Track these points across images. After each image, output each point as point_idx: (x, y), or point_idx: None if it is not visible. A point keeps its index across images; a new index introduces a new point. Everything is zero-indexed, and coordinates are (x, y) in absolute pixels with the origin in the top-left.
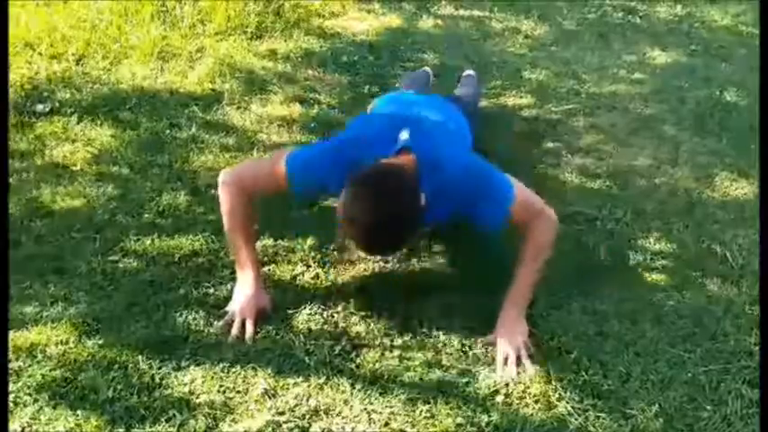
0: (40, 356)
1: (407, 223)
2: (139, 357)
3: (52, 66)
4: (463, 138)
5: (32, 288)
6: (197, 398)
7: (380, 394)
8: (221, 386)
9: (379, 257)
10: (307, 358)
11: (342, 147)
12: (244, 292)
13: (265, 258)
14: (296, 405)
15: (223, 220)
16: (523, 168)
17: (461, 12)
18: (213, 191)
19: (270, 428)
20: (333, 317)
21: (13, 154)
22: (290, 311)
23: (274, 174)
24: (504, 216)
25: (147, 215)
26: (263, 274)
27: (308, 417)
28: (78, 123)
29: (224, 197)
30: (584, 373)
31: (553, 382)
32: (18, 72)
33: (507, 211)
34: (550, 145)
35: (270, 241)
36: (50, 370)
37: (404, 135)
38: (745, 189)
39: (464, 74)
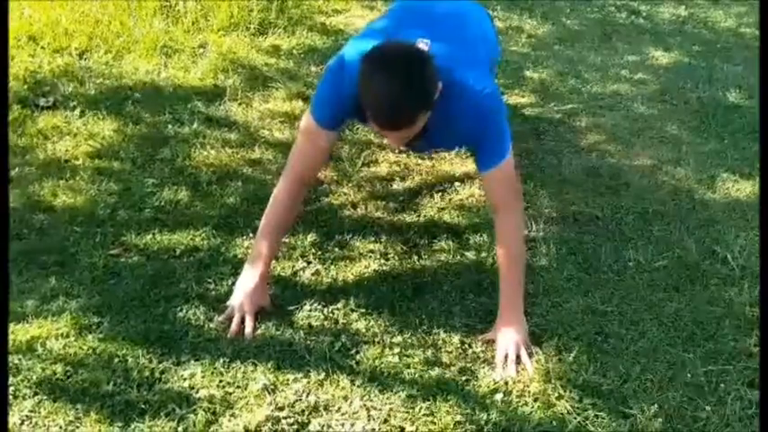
0: (40, 350)
1: (420, 93)
2: (139, 352)
3: (55, 60)
4: (484, 49)
5: (33, 282)
6: (197, 392)
7: (380, 391)
8: (221, 381)
9: (396, 133)
10: (306, 354)
11: (353, 60)
12: (244, 287)
13: None
14: (295, 401)
15: (266, 210)
16: (525, 167)
17: None
18: (215, 186)
19: (269, 424)
20: (333, 313)
21: (15, 148)
22: (291, 308)
23: (310, 134)
24: (494, 166)
25: (148, 210)
26: (269, 273)
27: (307, 413)
28: (81, 118)
29: (282, 183)
30: (583, 373)
31: (553, 381)
32: (21, 66)
33: (497, 165)
34: (552, 144)
35: None
36: (51, 363)
37: (422, 45)
38: (746, 190)
39: None
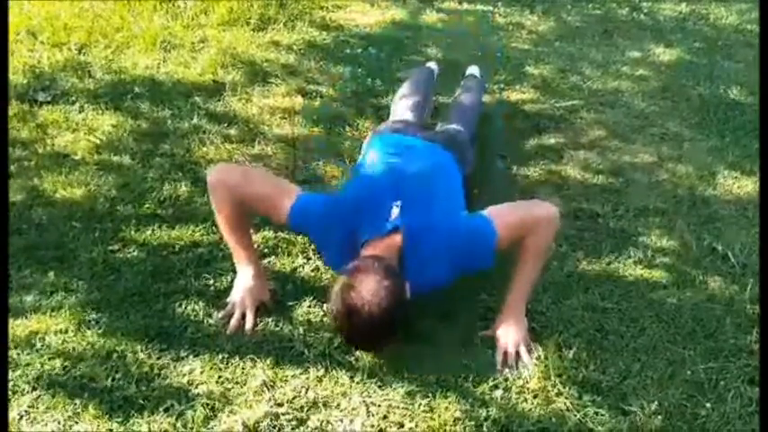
0: (39, 345)
1: (397, 322)
2: (138, 347)
3: (54, 55)
4: (454, 194)
5: (32, 277)
6: (195, 388)
7: (379, 387)
8: (220, 377)
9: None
10: (306, 351)
11: (342, 210)
12: (244, 283)
13: (265, 251)
14: (294, 397)
15: (216, 218)
16: (526, 164)
17: (465, 6)
18: None
19: (268, 420)
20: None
21: (15, 142)
22: (290, 304)
23: (277, 209)
24: (491, 252)
25: (147, 205)
26: (263, 267)
27: (306, 409)
28: (80, 112)
29: (221, 202)
30: (583, 369)
31: (552, 378)
32: (20, 60)
33: (493, 247)
34: (553, 141)
35: (270, 233)
36: (49, 359)
37: (395, 211)
38: (747, 187)
39: (468, 72)
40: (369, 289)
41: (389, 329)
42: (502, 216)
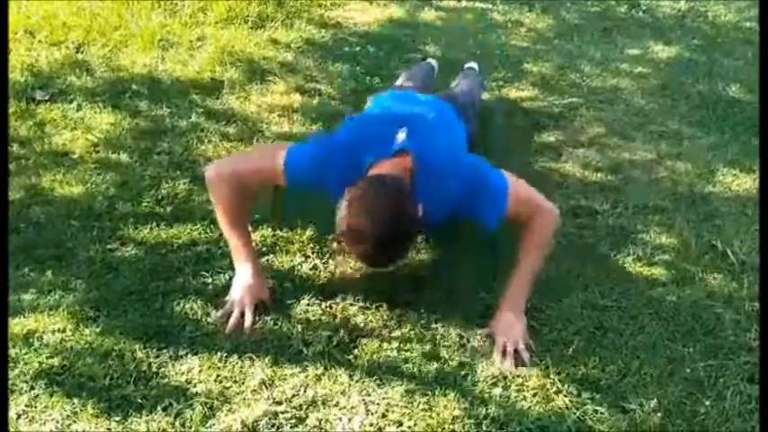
0: (37, 344)
1: (406, 237)
2: (137, 346)
3: (52, 53)
4: (458, 138)
5: (30, 275)
6: (194, 387)
7: (378, 385)
8: (219, 376)
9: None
10: (305, 349)
11: (340, 148)
12: (243, 282)
13: (264, 248)
14: (293, 395)
15: (217, 214)
16: (525, 161)
17: (464, 4)
18: None
19: (267, 418)
20: (331, 308)
21: (13, 141)
22: (289, 302)
23: (272, 169)
24: (501, 213)
25: (146, 203)
26: (262, 265)
27: (305, 407)
28: (78, 111)
29: (220, 192)
30: (582, 367)
31: (551, 376)
32: (18, 59)
33: (504, 209)
34: (552, 138)
35: (268, 231)
36: (47, 357)
37: (401, 136)
38: (747, 184)
39: (466, 66)
40: (372, 206)
41: (397, 245)
42: (514, 183)
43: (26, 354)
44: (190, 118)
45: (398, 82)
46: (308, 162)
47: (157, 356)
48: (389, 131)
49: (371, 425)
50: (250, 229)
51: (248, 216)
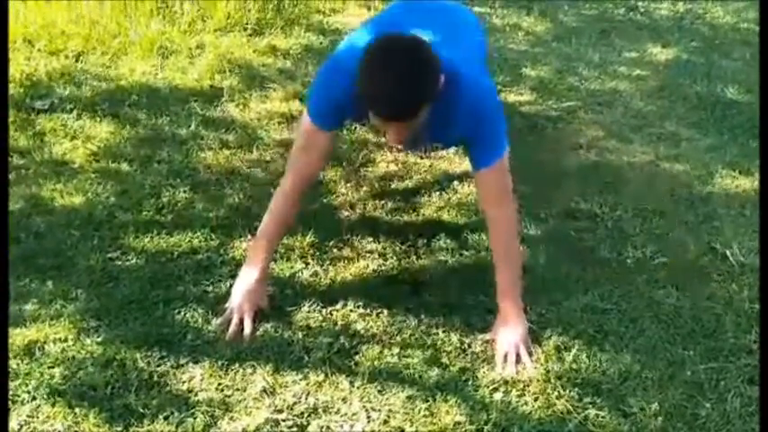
0: (38, 354)
1: (423, 81)
2: (138, 355)
3: (51, 62)
4: (479, 52)
5: (31, 285)
6: (195, 395)
7: (379, 392)
8: (220, 384)
9: (399, 126)
10: (305, 356)
11: (348, 52)
12: (242, 289)
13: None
14: (294, 403)
15: (270, 204)
16: (523, 165)
17: None
18: (213, 187)
19: (268, 426)
20: (332, 314)
21: (13, 150)
22: (289, 309)
23: (307, 133)
24: (492, 162)
25: (146, 212)
26: (268, 274)
27: (306, 415)
28: (78, 120)
29: (282, 185)
30: (583, 371)
31: (552, 380)
32: (17, 69)
33: (496, 158)
34: (551, 141)
35: None
36: (49, 368)
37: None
38: (746, 186)
39: None
40: (388, 48)
41: (420, 78)
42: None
43: (27, 364)
44: (189, 126)
45: None
46: (321, 94)
47: (159, 365)
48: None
49: (373, 431)
50: (249, 237)
51: (289, 223)
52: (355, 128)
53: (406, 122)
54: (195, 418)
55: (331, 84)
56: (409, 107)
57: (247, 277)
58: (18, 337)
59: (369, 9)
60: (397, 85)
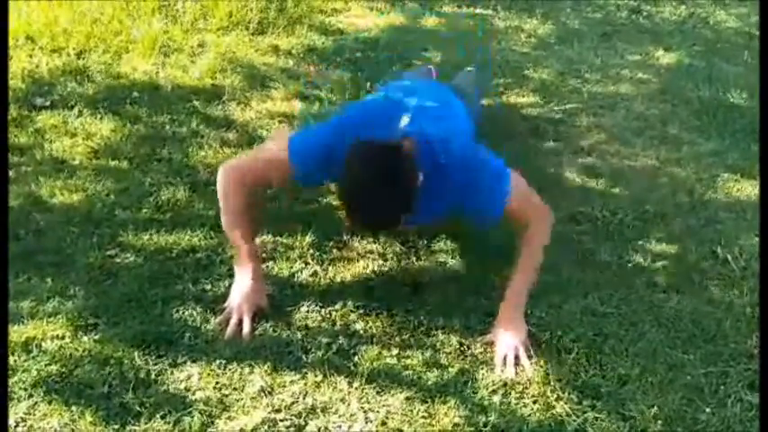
0: (35, 351)
1: (401, 199)
2: (136, 353)
3: (53, 59)
4: (464, 125)
5: (29, 282)
6: (193, 394)
7: (378, 393)
8: (218, 383)
9: (372, 234)
10: (304, 356)
11: (344, 126)
12: (241, 288)
13: (264, 255)
14: (292, 403)
15: (221, 214)
16: (525, 167)
17: (464, 10)
18: (213, 187)
19: (266, 426)
20: (331, 314)
21: (13, 147)
22: (288, 309)
23: (277, 163)
24: (500, 210)
25: (145, 210)
26: (262, 270)
27: (304, 415)
28: (78, 117)
29: (223, 190)
30: (582, 374)
31: (552, 383)
32: (19, 66)
33: (503, 205)
34: (552, 144)
35: (268, 237)
36: (46, 365)
37: (404, 120)
38: (747, 190)
39: (466, 69)
40: (366, 163)
41: (393, 209)
42: (516, 178)
43: (25, 361)
44: (190, 124)
45: None
46: (313, 143)
47: (156, 364)
48: (393, 116)
49: None
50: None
51: (255, 221)
52: None
53: (385, 232)
54: (192, 417)
55: (326, 152)
56: (384, 224)
57: (244, 278)
58: (15, 333)
59: (371, 9)
60: (370, 205)
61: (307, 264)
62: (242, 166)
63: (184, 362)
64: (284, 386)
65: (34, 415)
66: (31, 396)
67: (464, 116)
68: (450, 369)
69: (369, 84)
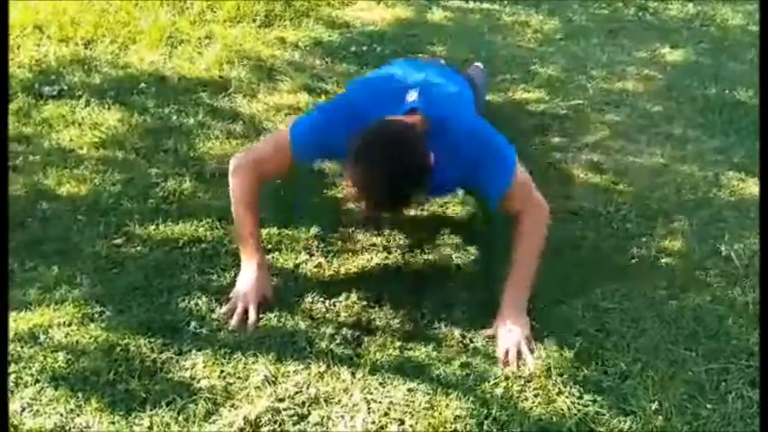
0: (42, 338)
1: (415, 178)
2: (141, 341)
3: (61, 49)
4: (468, 104)
5: (36, 270)
6: (198, 383)
7: (380, 384)
8: (222, 372)
9: (385, 214)
10: (308, 346)
11: (345, 107)
12: (247, 278)
13: (269, 246)
14: (296, 392)
15: (232, 205)
16: (530, 163)
17: (471, 4)
18: (218, 178)
19: (269, 415)
20: (334, 306)
21: (20, 137)
22: (293, 299)
23: (279, 146)
24: (506, 187)
25: (152, 200)
26: (267, 262)
27: (307, 404)
28: (86, 107)
29: (234, 181)
30: (584, 369)
31: (553, 377)
32: (26, 55)
33: (508, 184)
34: (557, 140)
35: (273, 229)
36: (52, 352)
37: (412, 96)
38: (751, 188)
39: (473, 65)
40: (379, 147)
41: (407, 187)
42: (520, 167)
43: (31, 348)
44: (197, 116)
45: None
46: (312, 128)
47: (162, 352)
48: (399, 92)
49: (373, 423)
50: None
51: (257, 211)
52: None
53: (398, 210)
54: (197, 405)
55: (330, 129)
56: (399, 203)
57: (249, 268)
58: (22, 321)
59: (378, 3)
60: (385, 184)
61: (311, 255)
62: (249, 159)
63: (189, 350)
64: (288, 376)
65: (40, 401)
66: (37, 382)
67: (468, 93)
68: (452, 362)
69: None
